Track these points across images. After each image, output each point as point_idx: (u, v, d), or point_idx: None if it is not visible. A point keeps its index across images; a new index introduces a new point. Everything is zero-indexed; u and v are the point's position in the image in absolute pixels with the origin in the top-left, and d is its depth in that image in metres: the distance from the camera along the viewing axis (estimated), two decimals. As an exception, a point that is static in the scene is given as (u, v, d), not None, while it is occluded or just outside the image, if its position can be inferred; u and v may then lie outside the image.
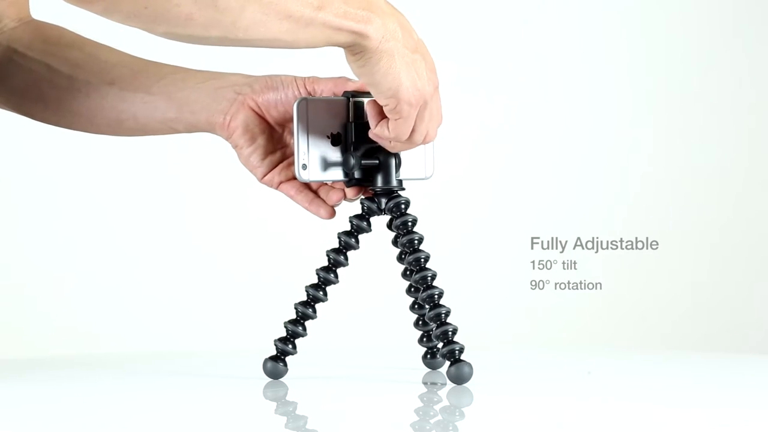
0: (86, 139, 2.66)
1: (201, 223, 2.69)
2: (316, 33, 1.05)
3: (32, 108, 1.26)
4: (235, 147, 1.18)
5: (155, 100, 1.20)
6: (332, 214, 1.16)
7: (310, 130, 1.13)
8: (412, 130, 1.09)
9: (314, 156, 1.13)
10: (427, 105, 1.09)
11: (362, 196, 1.15)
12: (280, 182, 1.18)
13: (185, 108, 1.19)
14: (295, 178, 1.16)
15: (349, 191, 1.15)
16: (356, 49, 1.06)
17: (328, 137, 1.13)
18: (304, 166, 1.12)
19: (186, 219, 2.70)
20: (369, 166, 1.12)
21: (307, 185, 1.17)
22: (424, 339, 1.20)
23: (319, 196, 1.17)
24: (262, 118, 1.17)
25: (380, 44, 1.06)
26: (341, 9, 1.04)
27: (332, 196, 1.16)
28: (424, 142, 1.11)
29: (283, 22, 1.03)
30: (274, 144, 1.18)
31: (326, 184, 1.16)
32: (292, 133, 1.16)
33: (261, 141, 1.17)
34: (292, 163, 1.17)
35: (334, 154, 1.13)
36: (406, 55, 1.07)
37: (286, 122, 1.17)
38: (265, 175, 1.18)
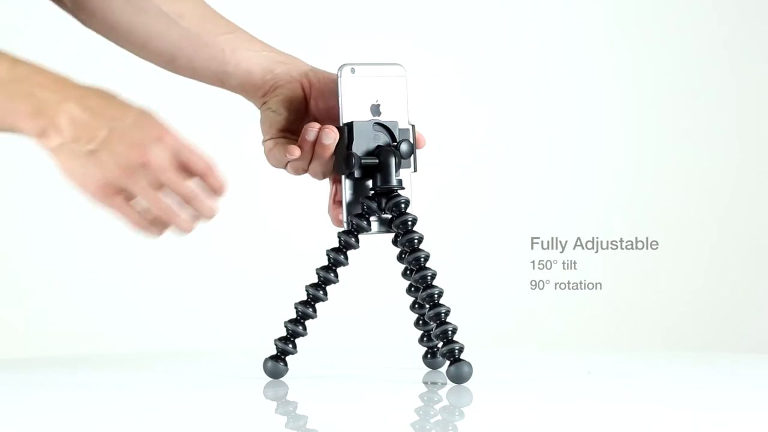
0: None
1: (201, 223, 2.69)
2: None
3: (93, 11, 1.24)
4: (262, 105, 1.19)
5: (217, 50, 1.20)
6: (275, 162, 1.16)
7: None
8: (153, 200, 1.05)
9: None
10: (136, 181, 1.03)
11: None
12: (271, 149, 1.17)
13: (243, 66, 1.20)
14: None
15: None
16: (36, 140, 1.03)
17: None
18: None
19: (186, 219, 2.70)
20: (369, 165, 1.12)
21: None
22: (425, 338, 1.20)
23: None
24: (305, 101, 1.17)
25: (48, 144, 1.02)
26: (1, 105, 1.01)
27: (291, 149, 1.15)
28: (172, 213, 1.06)
29: None
30: (297, 123, 1.17)
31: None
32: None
33: (287, 115, 1.17)
34: (290, 141, 1.17)
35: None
36: (81, 152, 1.02)
37: (318, 119, 1.17)
38: (267, 140, 1.18)
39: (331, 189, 1.16)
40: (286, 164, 1.16)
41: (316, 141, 1.13)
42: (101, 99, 1.03)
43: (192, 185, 1.05)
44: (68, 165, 1.03)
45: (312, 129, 1.14)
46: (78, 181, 1.04)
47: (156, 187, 1.03)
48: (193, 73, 1.23)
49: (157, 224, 1.06)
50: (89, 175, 1.03)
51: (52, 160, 1.04)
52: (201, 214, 1.07)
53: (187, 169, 1.04)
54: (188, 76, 1.24)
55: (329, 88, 1.17)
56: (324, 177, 1.16)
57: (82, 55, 2.60)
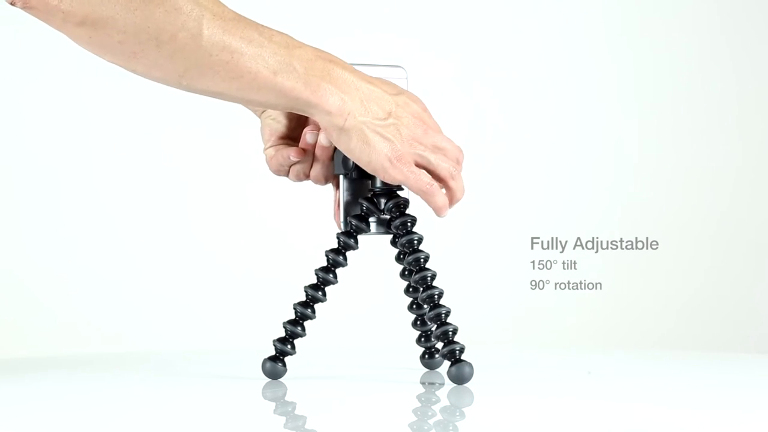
0: (89, 139, 2.67)
1: (201, 224, 2.70)
2: (269, 96, 1.06)
3: None
4: (262, 114, 1.19)
5: None
6: (277, 168, 1.16)
7: None
8: (432, 173, 1.10)
9: None
10: (420, 155, 1.09)
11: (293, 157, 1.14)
12: (273, 156, 1.18)
13: None
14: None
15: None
16: (321, 121, 1.07)
17: None
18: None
19: (186, 219, 2.70)
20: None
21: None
22: (422, 339, 1.20)
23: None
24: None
25: (345, 122, 1.06)
26: (300, 79, 1.05)
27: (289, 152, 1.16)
28: (451, 177, 1.11)
29: (234, 81, 1.04)
30: (297, 130, 1.17)
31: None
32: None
33: (287, 123, 1.17)
34: (288, 146, 1.17)
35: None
36: (377, 127, 1.07)
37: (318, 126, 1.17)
38: (268, 148, 1.18)
39: (336, 194, 1.16)
40: (288, 170, 1.16)
41: (316, 144, 1.14)
42: (378, 79, 1.09)
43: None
44: (363, 141, 1.07)
45: (312, 132, 1.14)
46: (373, 156, 1.07)
47: (436, 151, 1.10)
48: None
49: (437, 189, 1.11)
50: (386, 148, 1.07)
51: (340, 137, 1.07)
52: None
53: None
54: None
55: None
56: (326, 182, 1.16)
57: (78, 56, 2.59)
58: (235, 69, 1.04)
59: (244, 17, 1.05)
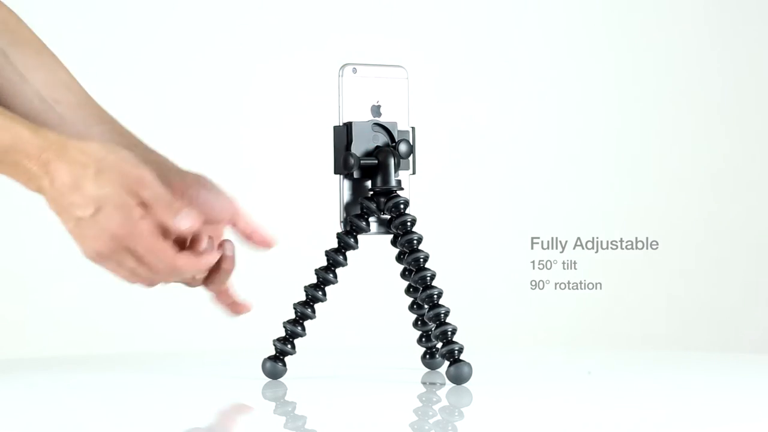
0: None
1: (201, 223, 2.69)
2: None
3: None
4: None
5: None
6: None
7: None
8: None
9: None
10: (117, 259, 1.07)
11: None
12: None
13: None
14: None
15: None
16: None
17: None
18: None
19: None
20: (368, 166, 1.12)
21: None
22: (423, 339, 1.20)
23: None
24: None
25: (49, 201, 1.05)
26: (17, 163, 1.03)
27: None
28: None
29: None
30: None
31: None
32: None
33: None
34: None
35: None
36: (75, 216, 1.05)
37: None
38: None
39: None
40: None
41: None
42: (83, 161, 1.04)
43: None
44: (68, 227, 1.06)
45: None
46: (78, 240, 1.07)
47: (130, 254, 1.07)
48: None
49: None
50: (89, 237, 1.06)
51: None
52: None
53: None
54: None
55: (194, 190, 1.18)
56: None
57: (78, 55, 2.59)
58: None
59: None
